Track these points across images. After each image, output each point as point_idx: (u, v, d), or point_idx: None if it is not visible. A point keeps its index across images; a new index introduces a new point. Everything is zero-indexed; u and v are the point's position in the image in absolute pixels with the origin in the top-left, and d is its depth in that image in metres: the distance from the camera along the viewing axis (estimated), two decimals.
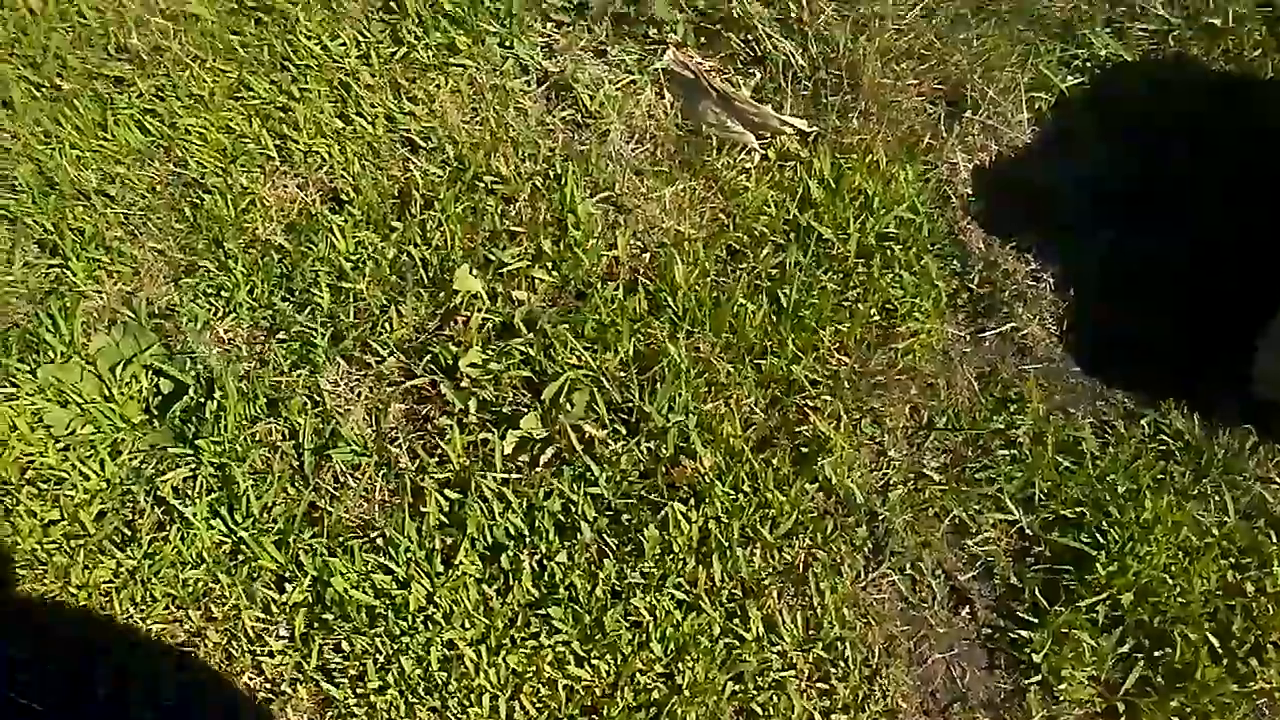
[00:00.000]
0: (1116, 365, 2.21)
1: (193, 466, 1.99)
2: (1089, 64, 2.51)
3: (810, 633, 1.88)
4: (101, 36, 2.45)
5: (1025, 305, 2.23)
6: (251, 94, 2.36)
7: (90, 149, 2.31)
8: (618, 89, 2.42)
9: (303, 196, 2.28)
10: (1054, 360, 2.22)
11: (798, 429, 2.06)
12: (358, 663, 1.83)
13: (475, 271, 2.18)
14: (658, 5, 2.47)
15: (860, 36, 2.46)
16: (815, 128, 2.36)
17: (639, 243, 2.26)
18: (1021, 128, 2.44)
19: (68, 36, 2.45)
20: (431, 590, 1.87)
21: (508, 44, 2.45)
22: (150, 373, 2.09)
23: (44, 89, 2.38)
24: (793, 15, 2.52)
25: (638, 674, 1.81)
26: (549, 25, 2.51)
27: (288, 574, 1.89)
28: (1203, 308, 2.20)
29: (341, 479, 2.01)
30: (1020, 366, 2.20)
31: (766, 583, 1.92)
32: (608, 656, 1.82)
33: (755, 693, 1.82)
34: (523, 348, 2.09)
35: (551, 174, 2.30)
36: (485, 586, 1.90)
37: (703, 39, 2.51)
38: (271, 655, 1.85)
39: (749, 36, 2.49)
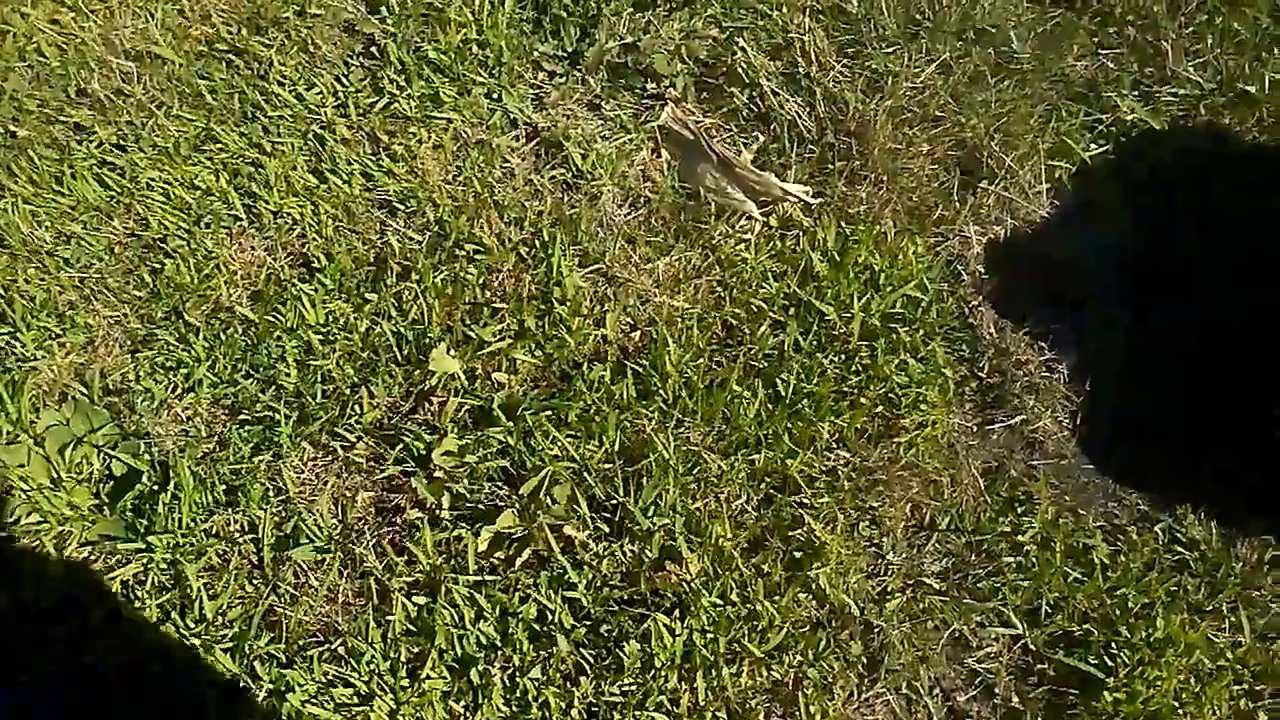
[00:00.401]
0: (1130, 459, 2.09)
1: (144, 562, 1.87)
2: (1114, 130, 2.39)
3: None
4: (61, 77, 2.33)
5: (1037, 397, 2.13)
6: (219, 146, 2.25)
7: (45, 204, 2.18)
8: (611, 147, 2.30)
9: (271, 262, 2.17)
10: (1065, 456, 2.12)
11: (791, 532, 1.95)
12: None
13: (453, 351, 2.06)
14: (656, 60, 2.35)
15: (871, 96, 2.33)
16: (820, 198, 2.24)
17: (629, 319, 2.16)
18: (1039, 199, 2.32)
19: (25, 77, 2.31)
20: (395, 707, 1.78)
21: (495, 96, 2.34)
22: (102, 454, 1.97)
23: None
24: (800, 70, 2.40)
25: None
26: (540, 75, 2.39)
27: (241, 684, 1.78)
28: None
29: (303, 577, 1.89)
30: (1029, 463, 2.10)
31: (754, 703, 1.84)
32: None
33: None
34: (501, 437, 1.99)
35: (538, 242, 2.19)
36: (453, 703, 1.80)
37: (704, 94, 2.40)
38: None
39: (753, 93, 2.35)
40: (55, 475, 1.96)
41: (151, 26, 2.38)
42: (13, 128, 2.27)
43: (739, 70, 2.41)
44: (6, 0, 2.41)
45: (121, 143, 2.28)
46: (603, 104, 2.38)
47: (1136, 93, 2.44)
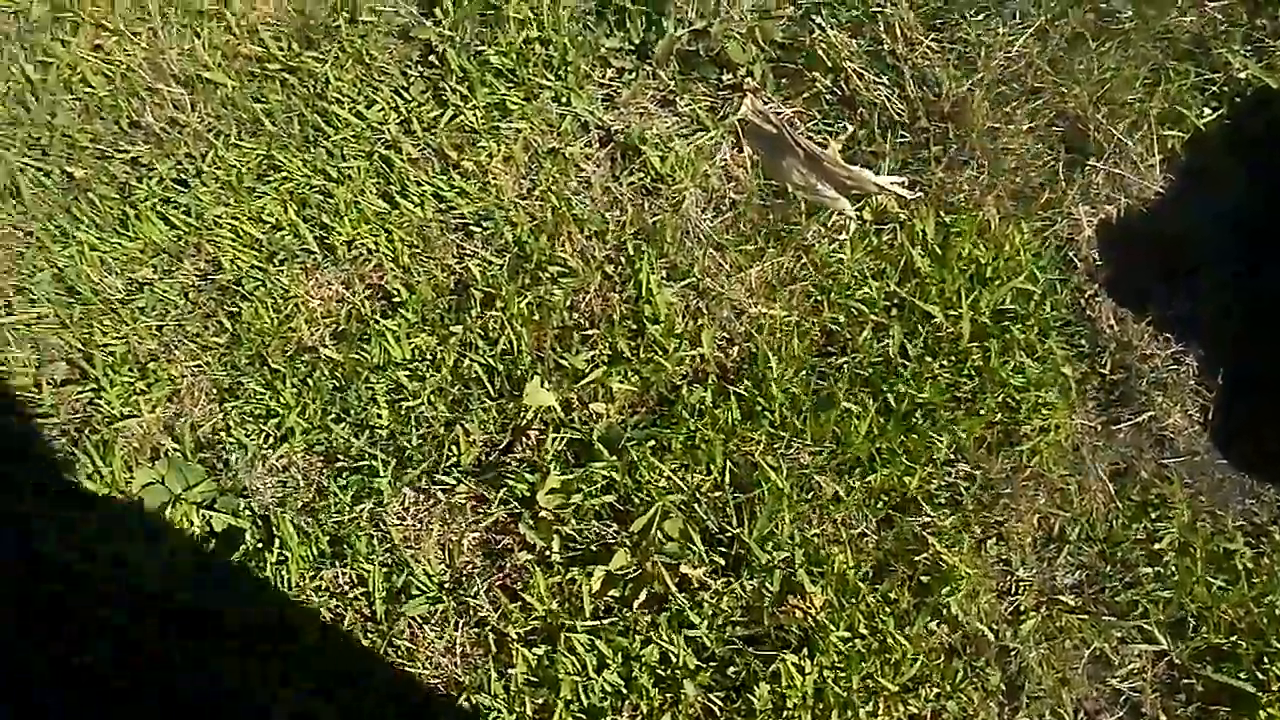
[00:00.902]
0: (1269, 453, 2.01)
1: (258, 621, 1.86)
2: (1226, 90, 2.25)
3: None
4: (112, 108, 2.27)
5: (1165, 392, 2.06)
6: (283, 175, 2.19)
7: (112, 249, 2.13)
8: (690, 147, 2.21)
9: (349, 296, 2.12)
10: (1198, 453, 2.05)
11: (915, 555, 1.91)
12: None
13: (547, 384, 2.00)
14: (729, 46, 2.24)
15: (964, 71, 2.22)
16: (918, 192, 2.14)
17: (724, 333, 2.10)
18: (1152, 173, 2.22)
19: (73, 111, 2.24)
20: None
21: (564, 100, 2.25)
22: (201, 512, 1.95)
23: (54, 177, 2.19)
24: (885, 48, 2.28)
25: None
26: (608, 73, 2.29)
27: None
28: None
29: (418, 629, 1.88)
30: (1160, 462, 2.04)
31: None
32: None
33: None
34: (605, 471, 1.95)
35: (623, 257, 2.12)
36: None
37: (783, 79, 2.29)
38: None
39: (836, 76, 2.25)
40: (155, 536, 1.93)
41: (199, 47, 2.29)
42: (69, 168, 2.20)
43: (819, 51, 2.29)
44: (45, 27, 2.31)
45: (182, 177, 2.21)
46: (677, 99, 2.29)
47: (1249, 48, 2.29)
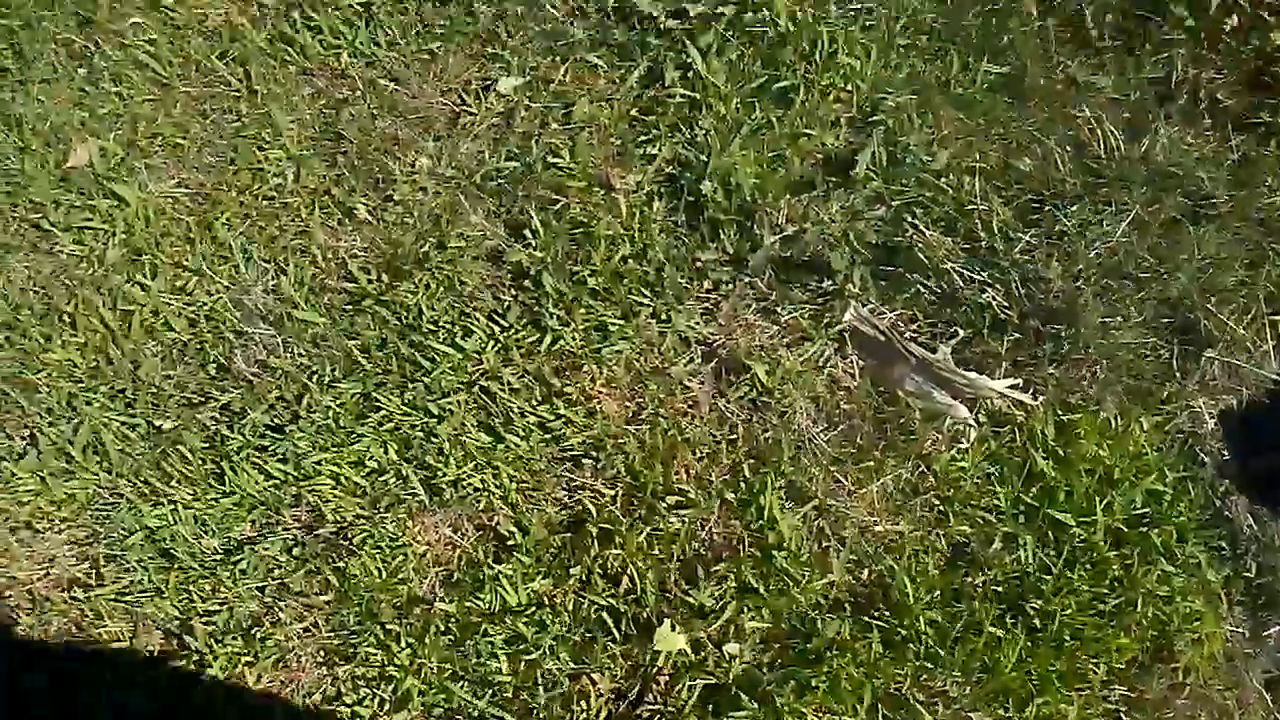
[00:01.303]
0: None
1: None
2: None
3: None
4: (198, 353, 2.23)
5: None
6: (383, 414, 2.15)
7: (207, 505, 2.06)
8: (796, 359, 2.18)
9: (458, 540, 2.08)
10: None
11: None
12: None
13: (677, 626, 1.93)
14: (826, 251, 2.23)
15: (1065, 264, 2.23)
16: (1038, 398, 2.12)
17: (852, 554, 2.03)
18: (1268, 359, 2.18)
19: (158, 358, 2.20)
20: None
21: (664, 317, 2.24)
22: None
23: (140, 430, 2.13)
24: (982, 244, 2.26)
25: None
26: (705, 284, 2.27)
27: None
28: None
29: None
30: None
31: None
32: None
33: None
34: None
35: (741, 483, 2.06)
36: None
37: (882, 281, 2.27)
38: None
39: (936, 276, 2.23)
40: None
41: (285, 283, 2.26)
42: (156, 420, 2.15)
43: (916, 252, 2.27)
44: (121, 269, 2.28)
45: (277, 423, 2.17)
46: (778, 309, 2.26)
47: None
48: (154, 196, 2.40)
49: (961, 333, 2.24)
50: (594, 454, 2.15)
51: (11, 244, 2.36)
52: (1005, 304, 2.26)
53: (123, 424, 2.19)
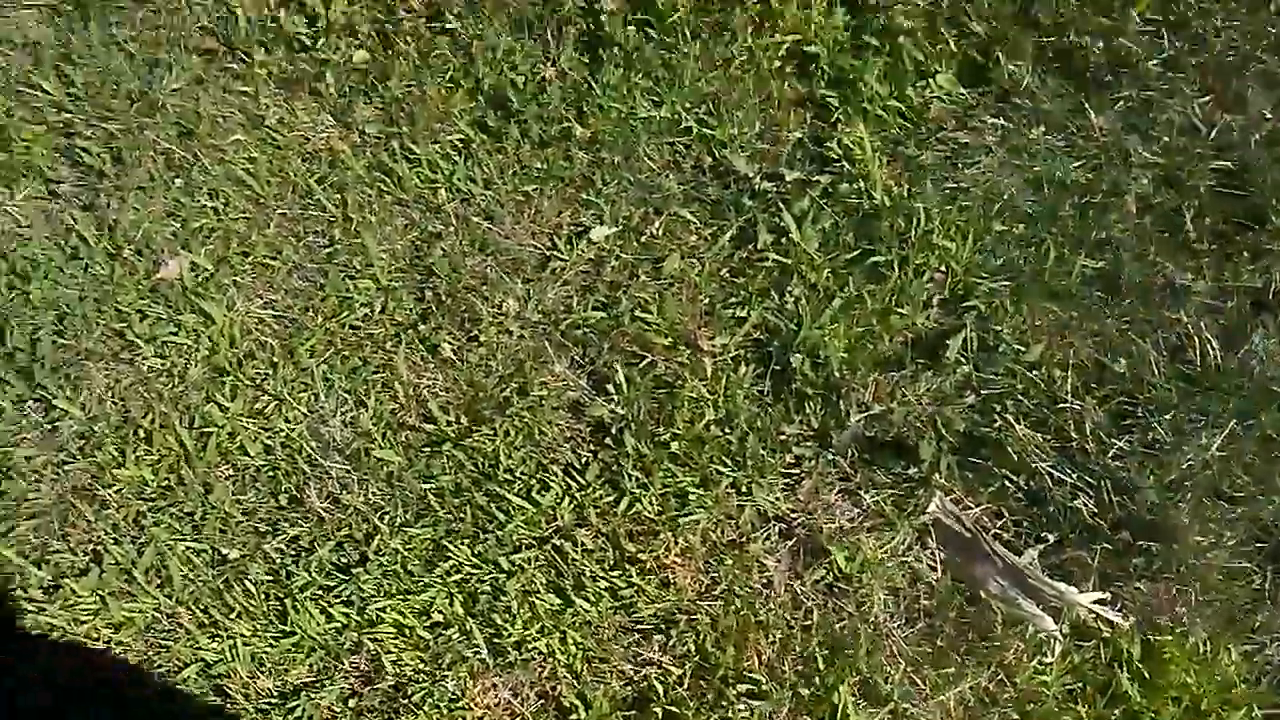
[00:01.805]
0: None
1: None
2: None
3: None
4: (270, 481, 2.22)
5: None
6: (452, 564, 2.13)
7: (265, 643, 2.03)
8: (876, 546, 2.15)
9: (519, 706, 2.02)
10: None
11: None
12: None
13: None
14: (913, 437, 2.22)
15: (1158, 476, 2.21)
16: (1127, 617, 2.07)
17: None
18: None
19: (230, 483, 2.18)
20: None
21: (744, 489, 2.21)
22: None
23: (206, 556, 2.11)
24: (1074, 444, 2.25)
25: None
26: (787, 458, 2.26)
27: None
28: None
29: None
30: None
31: None
32: None
33: None
34: None
35: (815, 676, 2.01)
36: None
37: (969, 472, 2.24)
38: None
39: (1024, 474, 2.21)
40: None
41: (364, 417, 2.27)
42: (224, 549, 2.13)
43: (1005, 445, 2.26)
44: (202, 387, 2.29)
45: (345, 563, 2.15)
46: (861, 491, 2.24)
47: None
48: (240, 316, 2.42)
49: (1050, 538, 2.21)
50: (665, 628, 2.13)
51: (94, 351, 2.37)
52: (1096, 511, 2.24)
53: (188, 548, 2.18)
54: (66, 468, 2.26)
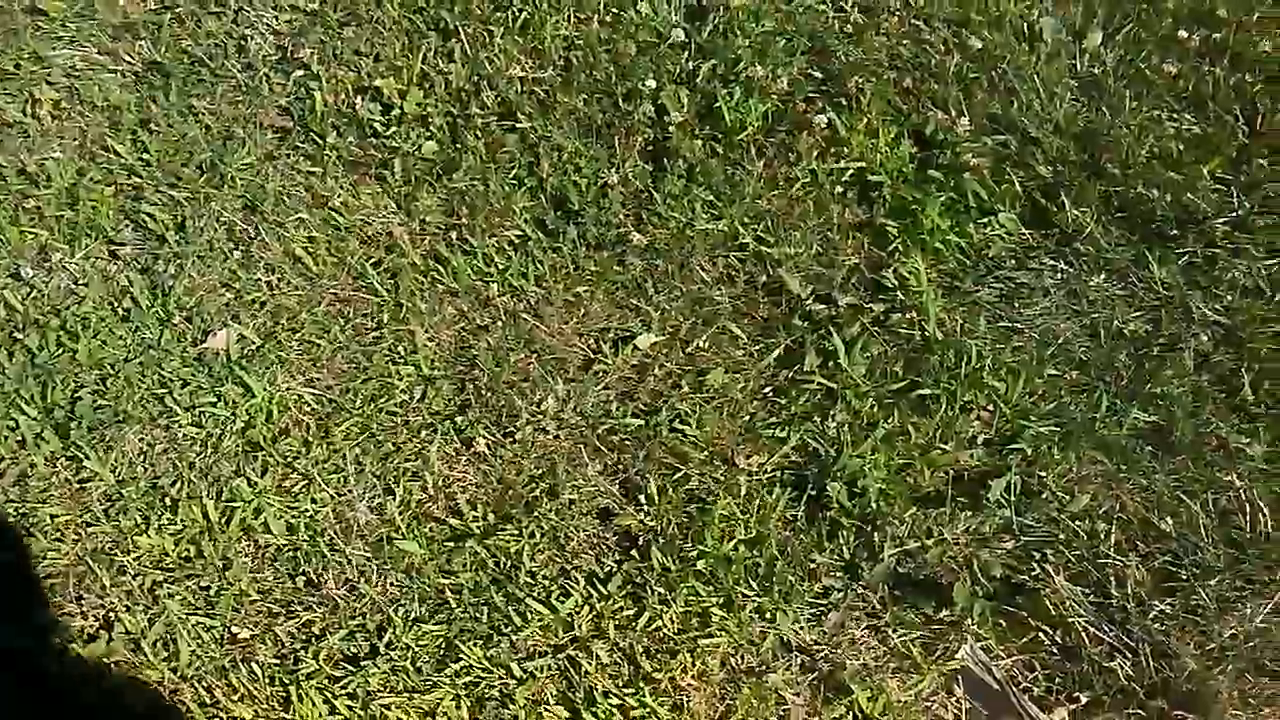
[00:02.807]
0: None
1: None
2: None
3: None
4: (290, 562, 2.22)
5: None
6: (463, 665, 2.11)
7: None
8: (901, 689, 2.10)
9: None
10: None
11: None
12: None
13: None
14: (955, 588, 2.17)
15: (1200, 646, 2.16)
16: None
17: None
18: None
19: (248, 560, 2.19)
20: None
21: (768, 615, 2.18)
22: None
23: (216, 633, 2.11)
24: (1114, 601, 2.19)
25: None
26: (816, 587, 2.22)
27: None
28: None
29: None
30: None
31: None
32: None
33: None
34: None
35: None
36: None
37: (1001, 621, 2.19)
38: None
39: (1060, 628, 2.16)
40: None
41: (390, 505, 2.27)
42: (234, 628, 2.12)
43: (1042, 596, 2.21)
44: (233, 460, 2.32)
45: (354, 653, 2.13)
46: (889, 629, 2.19)
47: None
48: (280, 391, 2.46)
49: (1083, 698, 2.15)
50: None
51: (132, 414, 2.42)
52: (1132, 674, 2.19)
53: (199, 623, 2.19)
54: (90, 529, 2.28)
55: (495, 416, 2.47)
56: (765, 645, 2.23)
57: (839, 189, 2.80)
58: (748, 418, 2.50)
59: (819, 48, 3.05)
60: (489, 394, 2.49)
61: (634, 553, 2.30)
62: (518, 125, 2.89)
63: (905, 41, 3.07)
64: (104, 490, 2.33)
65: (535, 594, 2.24)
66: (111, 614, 2.20)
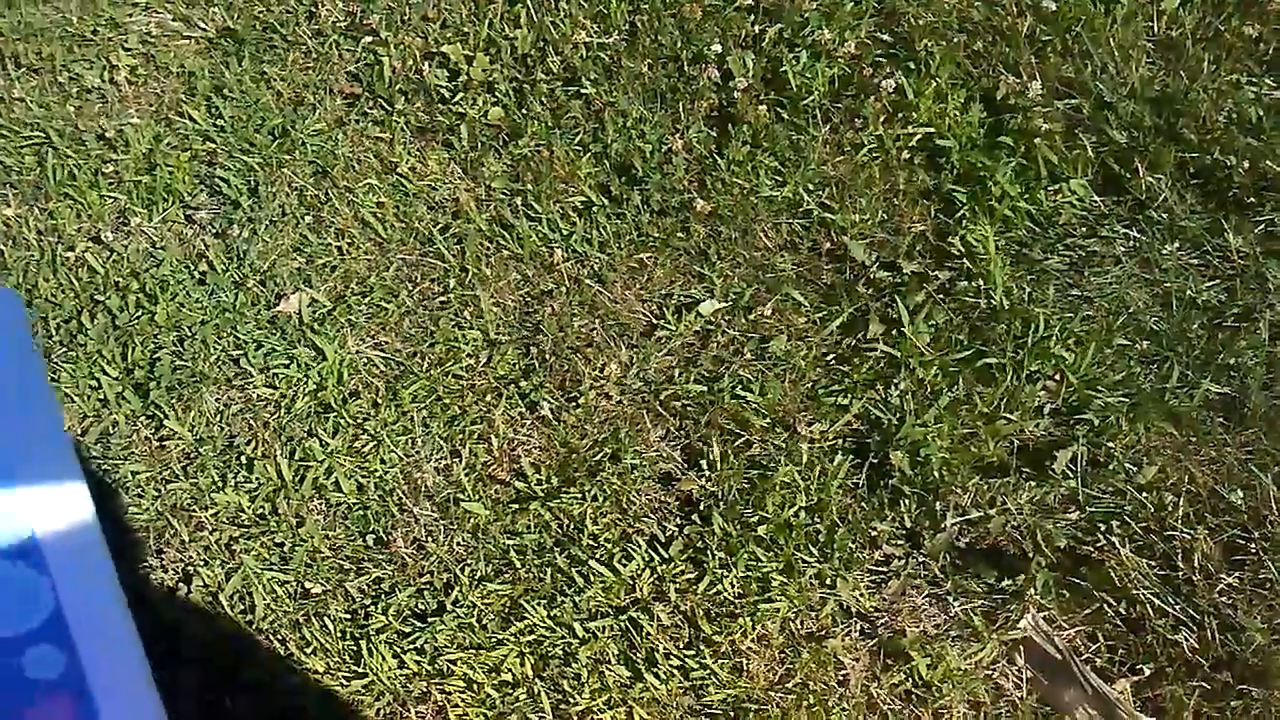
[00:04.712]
0: None
1: None
2: None
3: None
4: (360, 520, 2.28)
5: None
6: (526, 624, 2.16)
7: (337, 682, 2.08)
8: (961, 657, 2.11)
9: None
10: None
11: None
12: None
13: None
14: (1009, 548, 2.19)
15: (1268, 620, 2.11)
16: None
17: None
18: None
19: (320, 518, 2.26)
20: None
21: (828, 581, 2.20)
22: None
23: (289, 588, 2.18)
24: (1180, 574, 2.19)
25: None
26: (877, 555, 2.24)
27: None
28: None
29: None
30: None
31: None
32: None
33: None
34: None
35: None
36: None
37: (1064, 591, 2.19)
38: None
39: (1125, 600, 2.16)
40: None
41: (457, 467, 2.33)
42: (307, 583, 2.20)
43: (1107, 567, 2.21)
44: (305, 420, 2.39)
45: (421, 610, 2.19)
46: (949, 597, 2.21)
47: None
48: (351, 354, 2.52)
49: (1146, 670, 2.15)
50: (733, 715, 2.14)
51: (208, 375, 2.50)
52: (1197, 647, 2.18)
53: (274, 578, 2.26)
54: (169, 486, 2.36)
55: (559, 381, 2.51)
56: (825, 611, 2.25)
57: (906, 155, 2.78)
58: (810, 385, 2.51)
59: (887, 10, 3.01)
60: (553, 359, 2.53)
61: (695, 517, 2.33)
62: (583, 91, 2.91)
63: (976, 4, 3.01)
64: (183, 448, 2.41)
65: (598, 556, 2.28)
66: (190, 568, 2.28)
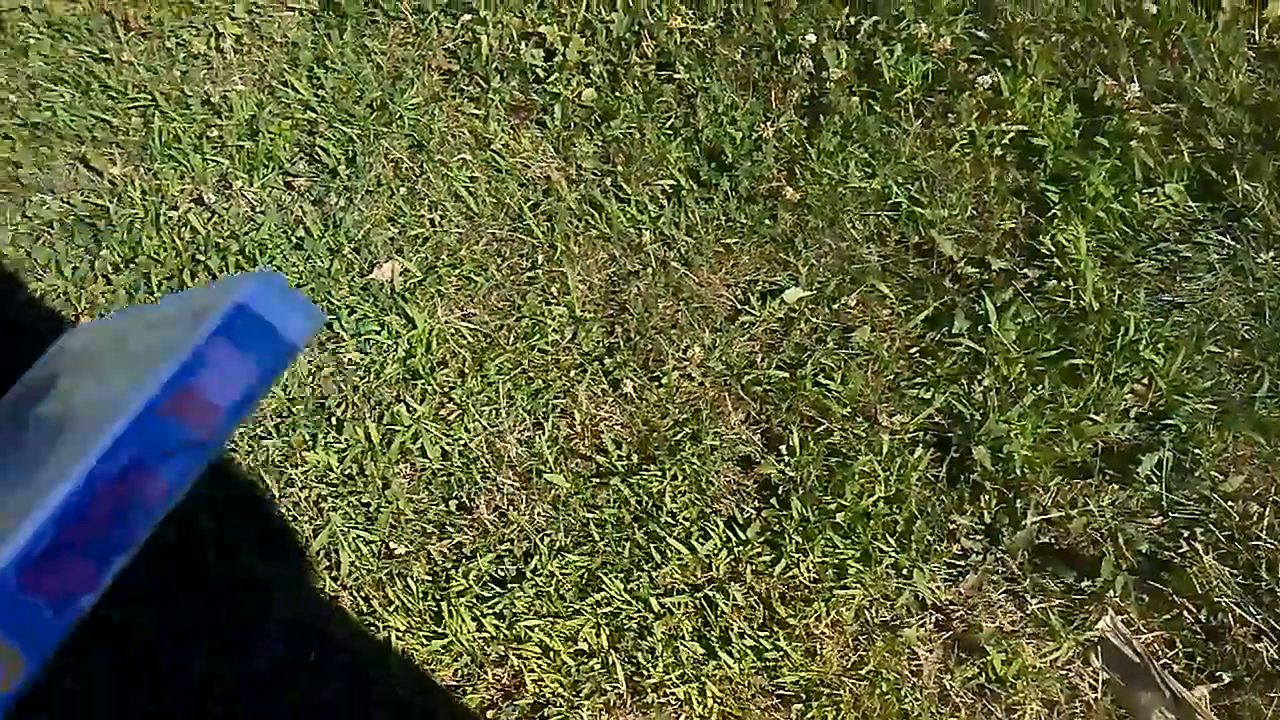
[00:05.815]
0: None
1: None
2: None
3: None
4: (444, 485, 2.32)
5: None
6: (603, 596, 2.17)
7: (417, 641, 2.12)
8: (1037, 655, 2.10)
9: None
10: None
11: None
12: None
13: None
14: (1090, 551, 2.16)
15: None
16: None
17: None
18: None
19: (406, 481, 2.29)
20: None
21: (905, 571, 2.19)
22: None
23: (374, 548, 2.22)
24: (1263, 585, 2.15)
25: None
26: (955, 549, 2.23)
27: None
28: None
29: None
30: None
31: None
32: None
33: None
34: None
35: None
36: None
37: (1145, 596, 2.17)
38: None
39: (1206, 608, 2.13)
40: None
41: (539, 439, 2.35)
42: (391, 544, 2.24)
43: (1189, 574, 2.18)
44: (394, 386, 2.42)
45: (502, 576, 2.22)
46: (1027, 595, 2.19)
47: None
48: (440, 324, 2.55)
49: (1225, 678, 2.12)
50: (805, 698, 2.14)
51: None
52: (1277, 658, 2.14)
53: (359, 537, 2.30)
54: (262, 443, 2.41)
55: (642, 360, 2.52)
56: (900, 601, 2.24)
57: (998, 152, 2.76)
58: (892, 377, 2.50)
59: (985, 7, 2.98)
60: (637, 338, 2.54)
61: (773, 501, 2.34)
62: (675, 76, 2.91)
63: (1076, 4, 2.98)
64: (276, 407, 2.45)
65: (675, 534, 2.30)
66: (279, 523, 2.32)
